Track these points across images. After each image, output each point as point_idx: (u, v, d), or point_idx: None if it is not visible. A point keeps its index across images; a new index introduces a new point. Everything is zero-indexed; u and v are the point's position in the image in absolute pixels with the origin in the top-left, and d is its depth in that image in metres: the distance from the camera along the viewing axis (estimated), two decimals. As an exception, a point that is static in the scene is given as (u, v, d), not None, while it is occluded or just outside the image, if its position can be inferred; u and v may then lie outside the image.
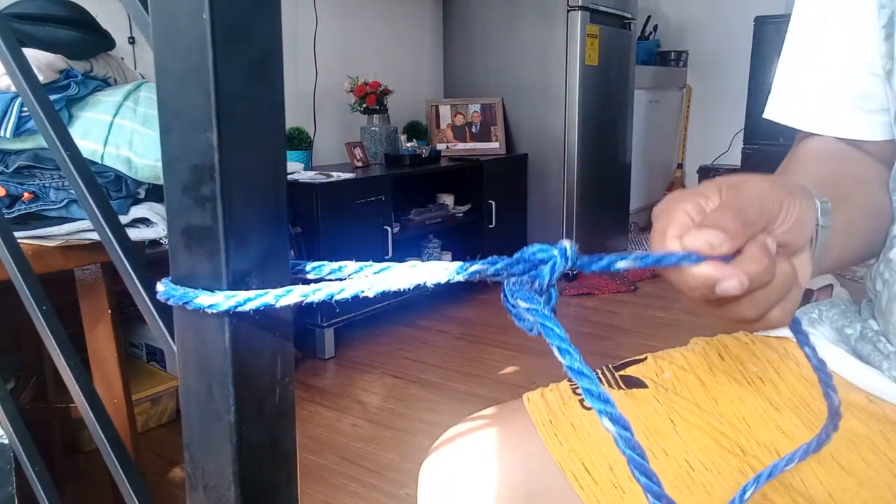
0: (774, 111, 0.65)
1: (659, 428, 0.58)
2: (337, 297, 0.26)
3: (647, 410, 0.59)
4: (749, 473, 0.55)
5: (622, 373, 0.63)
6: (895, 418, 0.54)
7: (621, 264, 0.31)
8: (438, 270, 0.27)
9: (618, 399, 0.60)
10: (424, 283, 0.27)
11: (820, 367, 0.44)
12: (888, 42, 0.55)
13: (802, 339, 0.43)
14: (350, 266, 0.28)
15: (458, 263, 0.28)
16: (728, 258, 0.35)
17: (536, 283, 0.30)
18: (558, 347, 0.27)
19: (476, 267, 0.28)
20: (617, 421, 0.26)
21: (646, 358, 0.65)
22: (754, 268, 0.34)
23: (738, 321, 0.38)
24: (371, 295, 0.27)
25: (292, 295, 0.25)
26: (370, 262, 0.28)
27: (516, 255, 0.29)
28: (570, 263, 0.29)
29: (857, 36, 0.58)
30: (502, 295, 0.31)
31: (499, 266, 0.29)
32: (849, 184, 0.57)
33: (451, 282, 0.28)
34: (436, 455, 0.62)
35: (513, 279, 0.30)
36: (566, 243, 0.29)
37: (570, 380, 0.64)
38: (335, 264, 0.29)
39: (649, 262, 0.33)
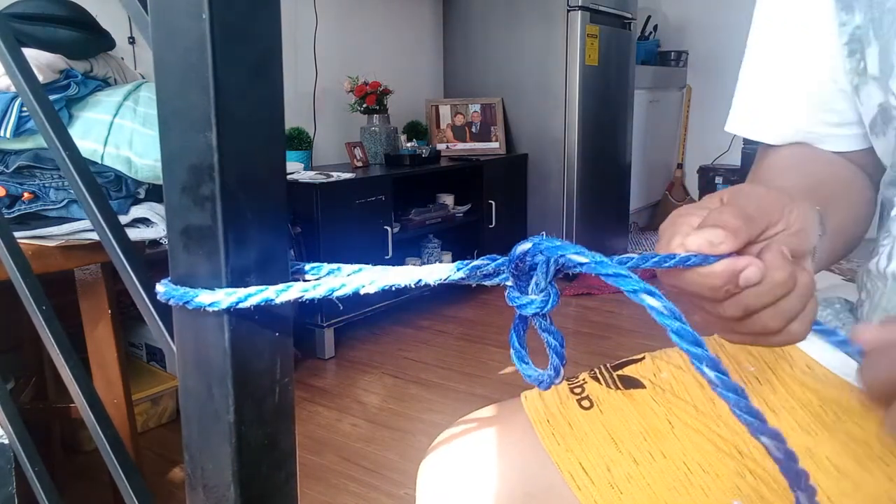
0: (738, 125, 0.64)
1: (657, 429, 0.58)
2: (337, 294, 0.26)
3: (644, 411, 0.59)
4: (746, 475, 0.55)
5: (620, 373, 0.63)
6: None
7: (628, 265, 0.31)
8: (438, 268, 0.27)
9: (615, 399, 0.60)
10: (426, 282, 0.27)
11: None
12: (852, 59, 0.55)
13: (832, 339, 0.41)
14: (347, 268, 0.28)
15: (458, 262, 0.28)
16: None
17: (533, 282, 0.30)
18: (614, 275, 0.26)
19: (477, 262, 0.28)
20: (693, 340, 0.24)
21: (643, 358, 0.65)
22: (778, 274, 0.34)
23: (760, 335, 0.37)
24: (372, 291, 0.26)
25: (293, 290, 0.25)
26: (368, 266, 0.28)
27: (511, 254, 0.29)
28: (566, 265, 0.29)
29: (821, 52, 0.58)
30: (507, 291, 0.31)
31: (499, 262, 0.29)
32: (831, 187, 0.57)
33: (451, 280, 0.27)
34: (434, 455, 0.62)
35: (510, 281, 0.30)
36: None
37: (567, 379, 0.64)
38: (333, 265, 0.29)
39: (655, 263, 0.33)
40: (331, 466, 1.64)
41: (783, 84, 0.62)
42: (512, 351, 0.34)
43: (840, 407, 0.56)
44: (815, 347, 0.60)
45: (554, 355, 0.33)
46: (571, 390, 0.62)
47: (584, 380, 0.63)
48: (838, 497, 0.52)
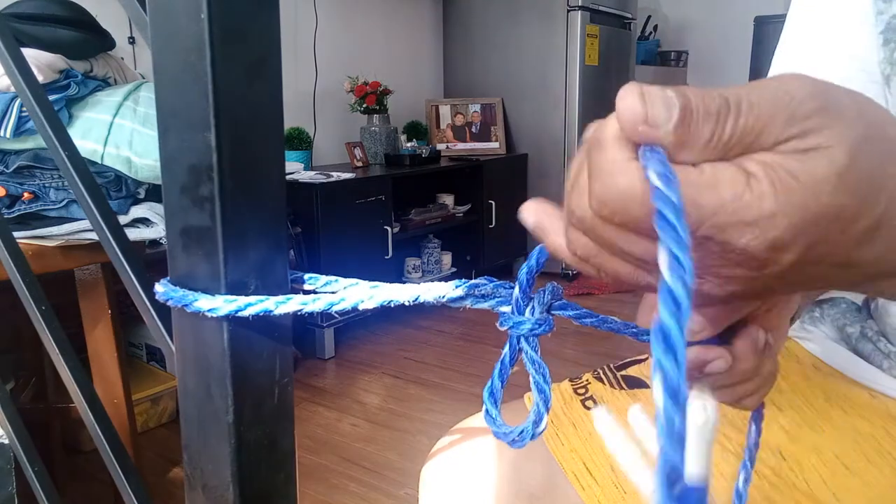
0: None
1: None
2: (336, 308, 0.27)
3: (649, 411, 0.59)
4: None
5: (623, 373, 0.63)
6: None
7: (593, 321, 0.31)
8: (437, 286, 0.27)
9: (619, 399, 0.60)
10: (425, 300, 0.28)
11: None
12: (887, 48, 0.55)
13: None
14: (343, 281, 0.28)
15: (456, 281, 0.28)
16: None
17: (530, 308, 0.30)
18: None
19: (476, 281, 0.28)
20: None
21: (647, 357, 0.65)
22: (743, 366, 0.33)
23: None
24: (371, 307, 0.27)
25: (292, 303, 0.25)
26: (361, 281, 0.29)
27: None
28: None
29: (855, 42, 0.57)
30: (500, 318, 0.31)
31: (497, 283, 0.29)
32: None
33: (448, 298, 0.28)
34: (437, 456, 0.62)
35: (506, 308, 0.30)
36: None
37: (571, 380, 0.64)
38: (331, 277, 0.29)
39: (628, 333, 0.33)
40: (331, 466, 1.64)
41: (815, 73, 0.61)
42: (486, 392, 0.31)
43: (847, 402, 0.56)
44: (821, 348, 0.60)
45: (537, 394, 0.30)
46: (575, 391, 0.61)
47: (587, 380, 0.63)
48: (845, 494, 0.52)
